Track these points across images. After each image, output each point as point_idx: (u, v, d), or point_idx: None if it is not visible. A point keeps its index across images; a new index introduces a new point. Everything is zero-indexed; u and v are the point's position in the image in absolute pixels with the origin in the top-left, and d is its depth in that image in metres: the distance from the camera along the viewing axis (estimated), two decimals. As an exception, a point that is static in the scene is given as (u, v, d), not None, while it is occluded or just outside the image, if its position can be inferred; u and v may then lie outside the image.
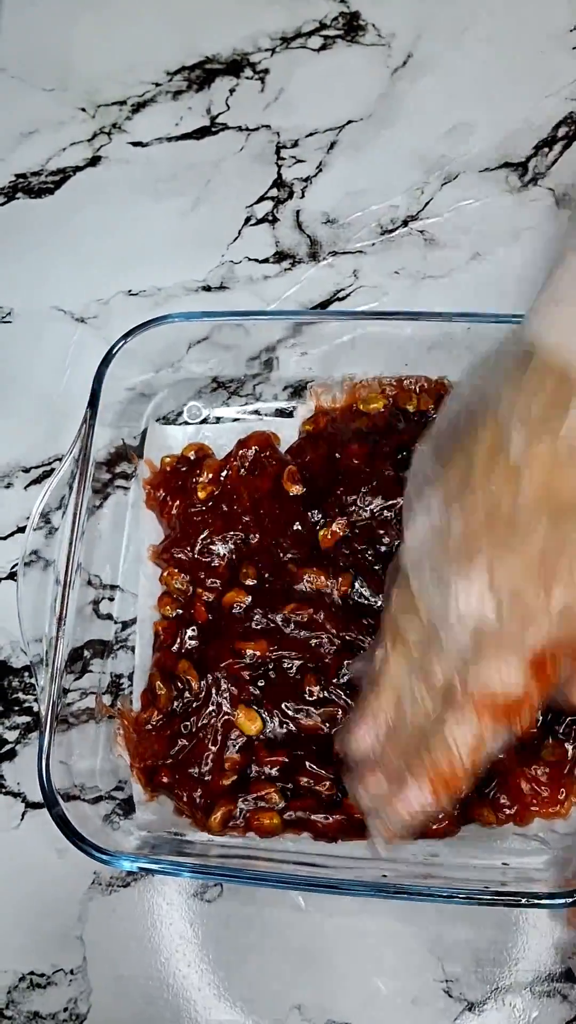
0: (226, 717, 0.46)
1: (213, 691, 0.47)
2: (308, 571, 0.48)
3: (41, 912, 0.48)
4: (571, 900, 0.39)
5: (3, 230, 0.62)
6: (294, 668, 0.47)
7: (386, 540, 0.48)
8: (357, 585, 0.48)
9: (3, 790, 0.50)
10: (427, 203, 0.60)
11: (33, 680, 0.52)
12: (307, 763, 0.45)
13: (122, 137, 0.64)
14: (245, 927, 0.47)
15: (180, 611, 0.49)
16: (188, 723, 0.46)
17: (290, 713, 0.46)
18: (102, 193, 0.63)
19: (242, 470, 0.51)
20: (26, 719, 0.51)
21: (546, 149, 0.60)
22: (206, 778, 0.46)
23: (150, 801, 0.47)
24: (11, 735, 0.51)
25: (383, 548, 0.48)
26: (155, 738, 0.47)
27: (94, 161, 0.63)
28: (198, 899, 0.48)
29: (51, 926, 0.48)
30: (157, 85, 0.65)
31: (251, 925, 0.47)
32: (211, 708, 0.46)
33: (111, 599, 0.51)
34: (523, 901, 0.40)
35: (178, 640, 0.49)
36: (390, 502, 0.49)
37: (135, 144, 0.64)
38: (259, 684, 0.47)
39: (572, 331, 0.33)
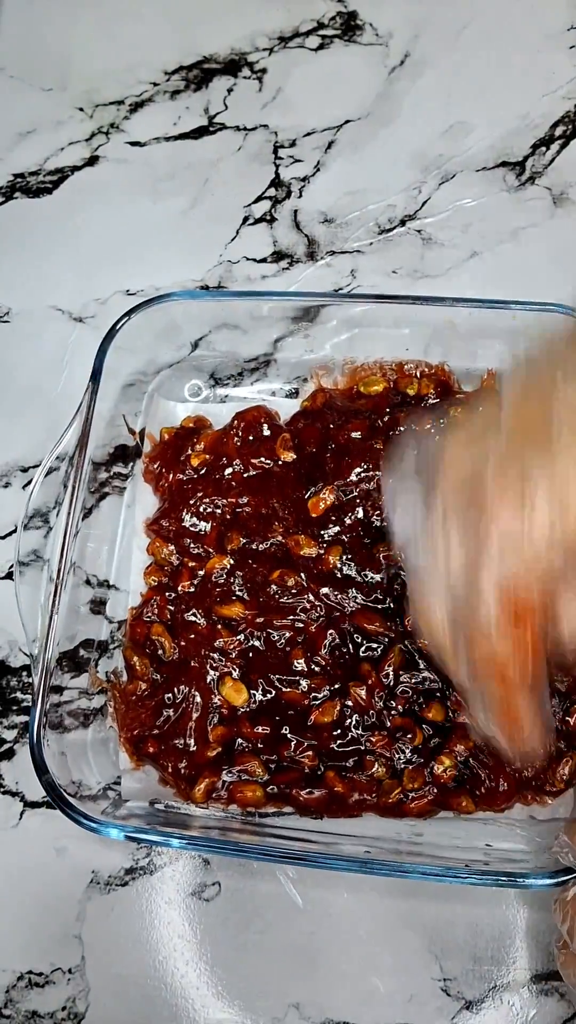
0: (211, 688, 0.47)
1: (201, 663, 0.47)
2: (296, 538, 0.49)
3: (39, 911, 0.48)
4: (549, 882, 0.39)
5: (1, 230, 0.62)
6: (283, 640, 0.47)
7: (375, 510, 0.49)
8: (344, 557, 0.48)
9: (2, 789, 0.50)
10: (424, 202, 0.60)
11: (31, 680, 0.52)
12: (289, 732, 0.46)
13: (120, 137, 0.64)
14: (243, 926, 0.47)
15: (165, 579, 0.50)
16: (173, 693, 0.47)
17: (275, 684, 0.47)
18: (100, 193, 0.63)
19: (237, 439, 0.52)
20: (24, 718, 0.51)
21: (543, 148, 0.61)
22: (191, 749, 0.46)
23: (136, 770, 0.47)
24: (9, 735, 0.51)
25: (374, 520, 0.49)
26: (142, 708, 0.47)
27: (92, 161, 0.63)
28: (196, 898, 0.48)
29: (49, 925, 0.48)
30: (155, 85, 0.65)
31: (249, 924, 0.47)
32: (197, 679, 0.47)
33: (108, 599, 0.51)
34: (502, 880, 0.40)
35: (156, 608, 0.49)
36: (380, 475, 0.49)
37: (133, 144, 0.64)
38: (248, 656, 0.47)
39: None
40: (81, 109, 0.65)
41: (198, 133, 0.64)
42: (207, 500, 0.50)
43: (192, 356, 0.54)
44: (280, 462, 0.51)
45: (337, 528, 0.49)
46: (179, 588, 0.49)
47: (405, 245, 0.59)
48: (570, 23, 0.63)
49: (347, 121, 0.63)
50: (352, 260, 0.59)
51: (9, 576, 0.54)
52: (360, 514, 0.49)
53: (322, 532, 0.49)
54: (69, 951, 0.47)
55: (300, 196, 0.61)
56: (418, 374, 0.52)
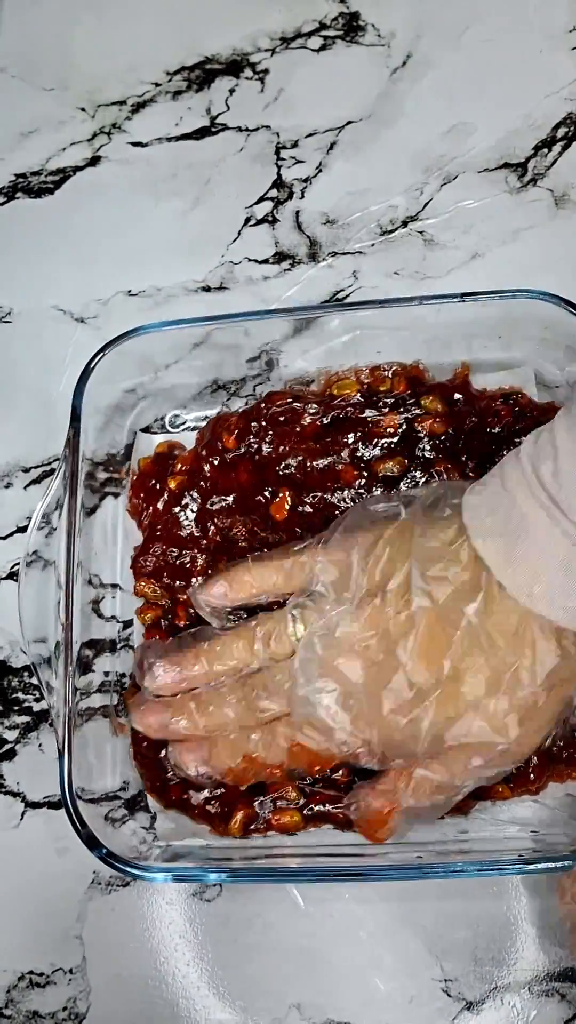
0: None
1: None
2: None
3: (40, 911, 0.48)
4: None
5: (3, 230, 0.62)
6: None
7: (335, 496, 0.49)
8: None
9: (3, 790, 0.50)
10: (426, 203, 0.60)
11: (33, 680, 0.52)
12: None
13: (122, 137, 0.64)
14: (244, 926, 0.47)
15: (161, 618, 0.49)
16: None
17: None
18: (102, 193, 0.63)
19: (203, 451, 0.51)
20: (26, 719, 0.51)
21: (545, 150, 0.61)
22: (220, 786, 0.45)
23: (168, 809, 0.47)
24: (11, 735, 0.51)
25: (335, 507, 0.49)
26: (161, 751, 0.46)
27: (94, 161, 0.63)
28: (197, 898, 0.48)
29: (50, 925, 0.48)
30: (157, 85, 0.65)
31: (250, 924, 0.47)
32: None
33: (113, 598, 0.51)
34: (562, 864, 0.40)
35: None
36: (328, 461, 0.50)
37: (135, 144, 0.64)
38: None
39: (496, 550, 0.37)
40: (83, 109, 0.65)
41: (200, 134, 0.64)
42: (185, 529, 0.50)
43: (171, 384, 0.54)
44: (232, 454, 0.50)
45: (303, 524, 0.49)
46: (177, 624, 0.49)
47: (407, 246, 0.59)
48: (572, 24, 0.63)
49: (349, 122, 0.62)
50: (354, 261, 0.59)
51: (10, 576, 0.54)
52: (319, 504, 0.49)
53: (291, 534, 0.49)
54: (70, 951, 0.48)
55: (302, 197, 0.61)
56: (391, 374, 0.52)
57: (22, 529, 0.55)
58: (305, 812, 0.45)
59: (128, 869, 0.41)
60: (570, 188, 0.60)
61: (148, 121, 0.64)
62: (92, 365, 0.49)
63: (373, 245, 0.59)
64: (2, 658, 0.53)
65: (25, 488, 0.56)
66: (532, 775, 0.45)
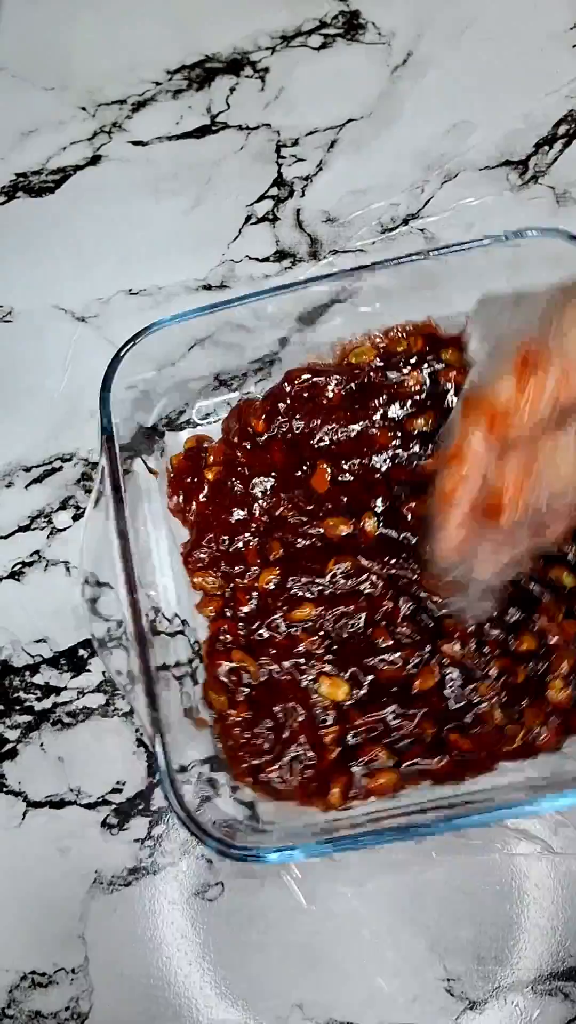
0: (309, 693, 0.46)
1: (291, 673, 0.47)
2: (326, 522, 0.49)
3: (43, 911, 0.48)
4: None
5: (3, 229, 0.62)
6: (361, 624, 0.47)
7: (373, 460, 0.50)
8: (379, 521, 0.49)
9: (4, 789, 0.50)
10: (427, 201, 0.60)
11: (34, 680, 0.52)
12: (399, 708, 0.45)
13: (122, 136, 0.64)
14: (247, 925, 0.47)
15: (224, 607, 0.49)
16: (274, 712, 0.46)
17: (369, 668, 0.46)
18: (102, 192, 0.63)
19: (234, 438, 0.52)
20: (27, 718, 0.51)
21: (546, 147, 0.60)
22: (310, 759, 0.45)
23: (260, 795, 0.46)
24: (12, 734, 0.51)
25: (375, 471, 0.50)
26: (249, 738, 0.46)
27: (94, 160, 0.63)
28: (199, 898, 0.48)
29: (53, 925, 0.48)
30: (157, 84, 0.65)
31: (253, 923, 0.47)
32: (292, 690, 0.47)
33: (107, 598, 0.51)
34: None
35: (229, 635, 0.49)
36: (360, 427, 0.51)
37: (135, 143, 0.64)
38: (334, 650, 0.47)
39: None
40: (83, 108, 0.65)
41: (200, 132, 0.64)
42: (232, 516, 0.50)
43: (192, 375, 0.53)
44: (262, 436, 0.51)
45: (345, 491, 0.50)
46: (240, 611, 0.49)
47: (408, 244, 0.59)
48: (573, 22, 0.63)
49: (350, 120, 0.62)
50: (355, 259, 0.59)
51: (11, 576, 0.54)
52: (356, 465, 0.50)
53: (337, 503, 0.49)
54: (72, 951, 0.47)
55: (303, 195, 0.61)
56: (403, 334, 0.52)
57: (23, 528, 0.55)
58: (401, 771, 0.45)
59: (243, 855, 0.40)
60: (571, 186, 0.59)
61: (149, 120, 0.64)
62: (115, 368, 0.48)
63: (374, 243, 0.59)
64: (3, 658, 0.52)
65: (26, 487, 0.56)
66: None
